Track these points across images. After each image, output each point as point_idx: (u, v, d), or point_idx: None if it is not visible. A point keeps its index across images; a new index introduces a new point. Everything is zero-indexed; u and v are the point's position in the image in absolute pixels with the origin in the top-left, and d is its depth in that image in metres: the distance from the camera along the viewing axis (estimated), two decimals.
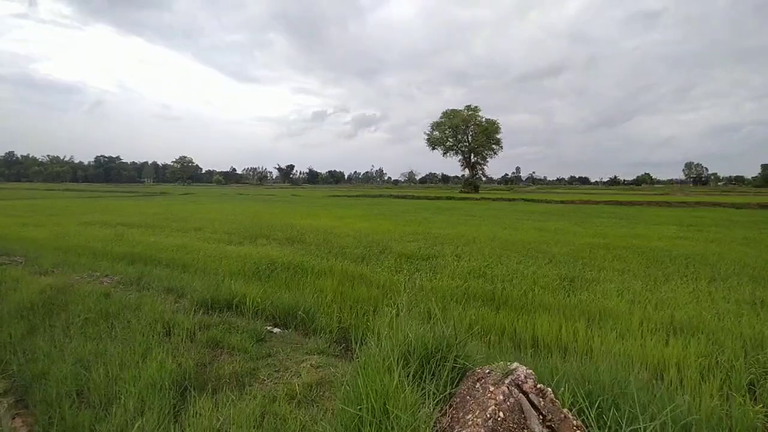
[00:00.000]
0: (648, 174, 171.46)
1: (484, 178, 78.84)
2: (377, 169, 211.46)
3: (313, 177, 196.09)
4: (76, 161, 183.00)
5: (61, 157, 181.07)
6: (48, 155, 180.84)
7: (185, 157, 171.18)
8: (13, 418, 2.69)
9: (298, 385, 2.65)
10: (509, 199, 39.05)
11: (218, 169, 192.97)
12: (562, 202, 35.12)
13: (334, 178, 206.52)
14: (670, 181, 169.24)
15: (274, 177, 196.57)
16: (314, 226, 13.20)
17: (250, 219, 15.47)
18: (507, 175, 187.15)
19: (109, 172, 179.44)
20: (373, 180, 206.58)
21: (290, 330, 3.82)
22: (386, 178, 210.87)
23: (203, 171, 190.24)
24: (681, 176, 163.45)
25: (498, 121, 70.86)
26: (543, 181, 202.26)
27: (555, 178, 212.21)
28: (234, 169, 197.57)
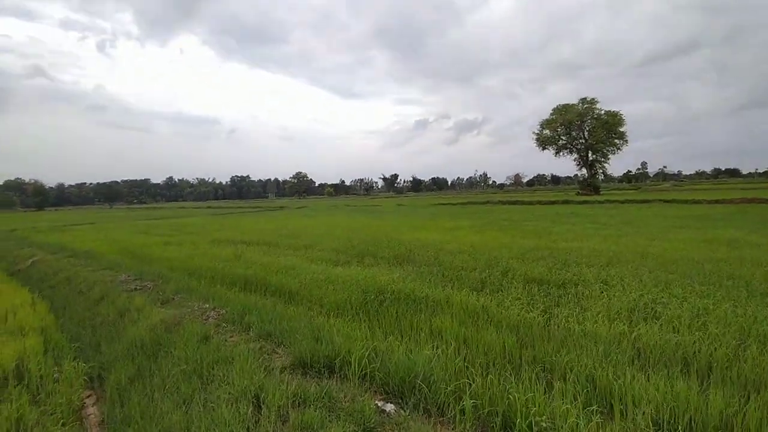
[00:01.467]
0: None
1: (602, 178, 69.97)
2: (481, 173, 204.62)
3: (416, 185, 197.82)
4: (217, 181, 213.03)
5: (206, 179, 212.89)
6: (197, 178, 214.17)
7: (300, 172, 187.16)
8: None
9: None
10: (642, 201, 33.51)
11: (329, 182, 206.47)
12: (716, 201, 28.85)
13: (438, 185, 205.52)
14: None
15: (379, 187, 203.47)
16: (422, 240, 12.34)
17: (357, 233, 15.29)
18: (630, 172, 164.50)
19: (241, 189, 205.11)
20: (477, 185, 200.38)
21: (407, 406, 2.91)
22: (491, 182, 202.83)
23: (316, 184, 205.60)
24: None
25: (621, 113, 62.45)
26: (677, 177, 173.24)
27: (693, 172, 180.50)
28: (343, 181, 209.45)
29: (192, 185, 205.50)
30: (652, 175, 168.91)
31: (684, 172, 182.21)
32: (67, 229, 26.86)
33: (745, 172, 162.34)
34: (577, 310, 5.06)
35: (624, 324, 4.49)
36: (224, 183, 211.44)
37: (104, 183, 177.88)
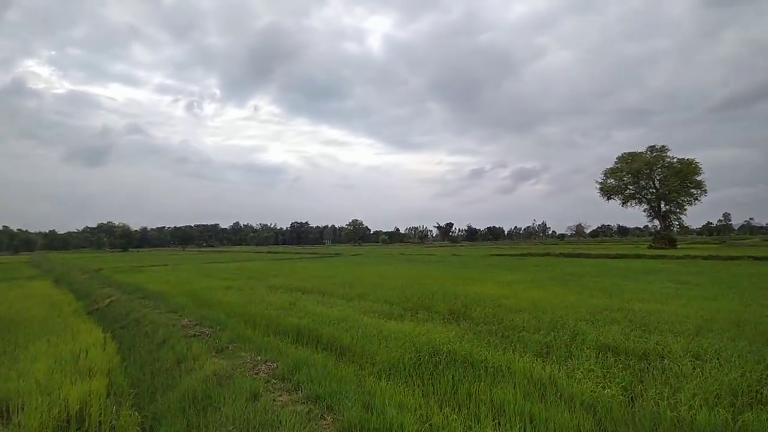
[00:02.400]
0: None
1: (677, 229, 64.06)
2: (539, 223, 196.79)
3: (472, 234, 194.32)
4: (278, 227, 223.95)
5: (269, 225, 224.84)
6: (260, 223, 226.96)
7: (356, 220, 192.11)
8: None
9: None
10: (727, 257, 29.93)
11: (384, 230, 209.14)
12: None
13: (494, 234, 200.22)
14: None
15: (434, 235, 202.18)
16: (479, 294, 11.75)
17: (411, 284, 14.97)
18: (711, 224, 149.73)
19: (299, 235, 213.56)
20: (536, 235, 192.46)
21: None
22: (550, 232, 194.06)
23: (371, 231, 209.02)
24: None
25: (697, 161, 58.01)
26: (767, 230, 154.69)
27: None
28: (397, 229, 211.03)
29: (255, 230, 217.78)
30: (736, 228, 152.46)
31: None
32: (144, 270, 29.13)
33: None
34: (666, 389, 4.36)
35: (726, 410, 3.77)
36: (284, 229, 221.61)
37: (180, 227, 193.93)
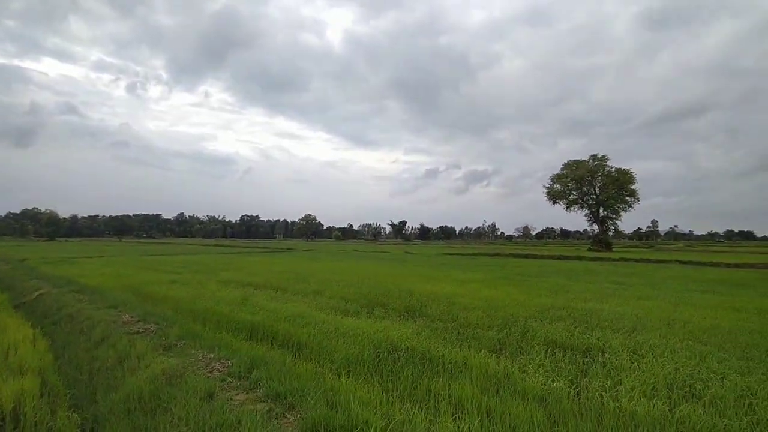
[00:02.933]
0: None
1: (612, 234, 69.26)
2: (489, 224, 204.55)
3: (424, 233, 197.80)
4: (227, 219, 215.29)
5: (217, 217, 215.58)
6: (207, 215, 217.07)
7: (310, 215, 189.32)
8: None
9: None
10: (658, 261, 32.76)
11: (337, 225, 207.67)
12: (736, 265, 28.05)
13: (446, 233, 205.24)
14: None
15: (387, 233, 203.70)
16: (434, 292, 11.97)
17: (366, 281, 14.96)
18: (641, 229, 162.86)
19: (249, 228, 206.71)
20: (485, 235, 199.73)
21: None
22: (499, 233, 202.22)
23: (324, 227, 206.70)
24: None
25: (632, 171, 62.92)
26: (689, 236, 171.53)
27: (705, 232, 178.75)
28: (351, 226, 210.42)
29: (202, 222, 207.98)
30: (662, 234, 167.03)
31: (695, 232, 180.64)
32: (76, 262, 26.87)
33: (759, 234, 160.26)
34: (608, 382, 4.67)
35: (663, 403, 4.10)
36: (234, 221, 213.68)
37: (116, 216, 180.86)
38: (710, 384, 4.61)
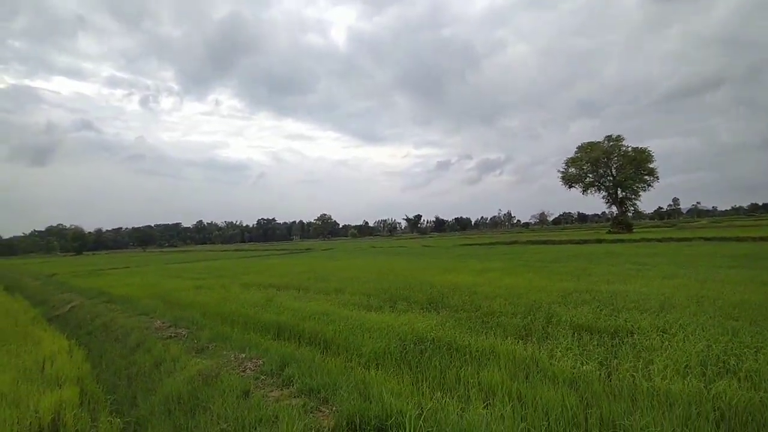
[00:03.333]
0: None
1: (632, 215, 67.73)
2: (505, 212, 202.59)
3: (440, 225, 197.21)
4: (244, 224, 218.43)
5: (234, 222, 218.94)
6: (225, 221, 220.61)
7: (325, 214, 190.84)
8: None
9: None
10: (681, 239, 31.98)
11: (353, 223, 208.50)
12: (761, 238, 27.18)
13: (461, 224, 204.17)
14: None
15: (402, 227, 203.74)
16: (454, 283, 11.97)
17: (386, 276, 15.05)
18: (662, 208, 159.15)
19: (266, 231, 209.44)
20: (502, 224, 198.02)
21: None
22: (515, 221, 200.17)
23: (340, 226, 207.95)
24: None
25: (649, 149, 61.35)
26: (713, 213, 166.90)
27: (729, 207, 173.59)
28: (366, 223, 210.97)
29: (220, 228, 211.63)
30: (685, 212, 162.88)
31: (719, 208, 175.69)
32: (103, 274, 27.70)
33: None
34: (639, 362, 4.63)
35: (697, 380, 4.05)
36: (251, 226, 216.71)
37: (138, 228, 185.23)
38: (744, 358, 4.53)
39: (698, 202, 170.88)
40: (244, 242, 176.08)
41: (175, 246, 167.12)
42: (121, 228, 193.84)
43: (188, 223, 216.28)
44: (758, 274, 11.25)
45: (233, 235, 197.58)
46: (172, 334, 6.95)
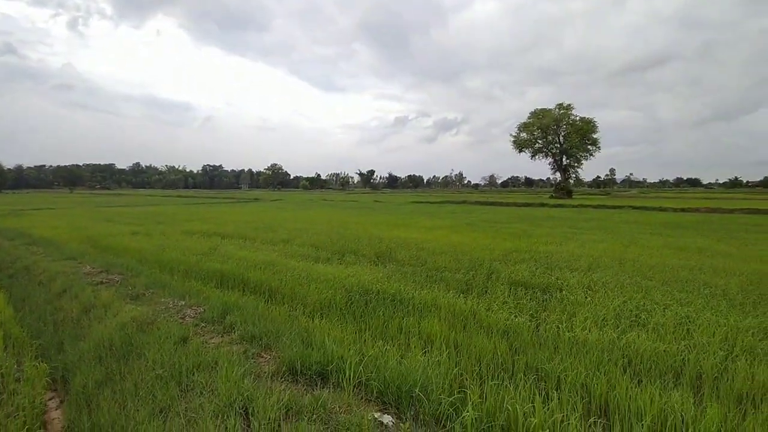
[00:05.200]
0: None
1: (573, 182, 72.10)
2: (457, 173, 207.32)
3: (392, 182, 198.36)
4: (188, 170, 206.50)
5: (177, 167, 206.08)
6: (166, 165, 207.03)
7: (276, 164, 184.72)
8: None
9: None
10: (613, 207, 34.62)
11: (304, 175, 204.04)
12: (682, 209, 30.11)
13: (414, 182, 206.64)
14: None
15: (355, 182, 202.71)
16: (403, 238, 12.23)
17: (336, 229, 15.04)
18: (599, 177, 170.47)
19: (213, 178, 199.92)
20: (452, 184, 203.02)
21: (406, 417, 2.76)
22: (466, 182, 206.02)
23: (291, 177, 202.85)
24: None
25: (595, 120, 64.35)
26: (643, 184, 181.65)
27: (657, 180, 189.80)
28: (319, 175, 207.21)
29: (161, 173, 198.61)
30: (619, 182, 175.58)
31: (648, 180, 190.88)
32: (25, 214, 25.30)
33: (705, 182, 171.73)
34: (564, 315, 5.05)
35: (612, 331, 4.50)
36: (195, 172, 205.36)
37: (65, 166, 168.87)
38: (654, 314, 5.07)
39: (631, 174, 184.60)
40: (188, 188, 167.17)
41: (108, 188, 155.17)
42: (44, 166, 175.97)
43: (123, 164, 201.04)
44: (674, 240, 12.52)
45: (176, 180, 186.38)
46: (104, 280, 6.55)
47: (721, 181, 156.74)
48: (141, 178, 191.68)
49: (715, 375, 3.57)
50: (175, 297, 5.39)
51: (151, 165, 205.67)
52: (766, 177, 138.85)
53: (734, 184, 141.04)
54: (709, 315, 4.98)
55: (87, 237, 13.10)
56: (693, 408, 2.95)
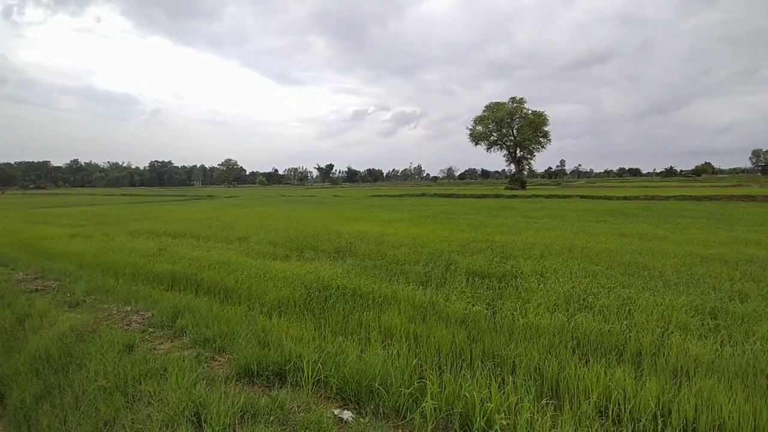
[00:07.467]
0: (709, 163, 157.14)
1: (527, 173, 75.18)
2: (415, 166, 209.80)
3: (352, 176, 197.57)
4: (134, 166, 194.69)
5: (121, 163, 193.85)
6: (108, 162, 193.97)
7: (230, 159, 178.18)
8: None
9: None
10: (563, 196, 36.41)
11: (261, 171, 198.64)
12: (624, 198, 32.17)
13: (373, 176, 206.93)
14: (735, 171, 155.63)
15: (314, 177, 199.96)
16: (363, 232, 12.20)
17: (294, 225, 14.76)
18: (551, 168, 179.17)
19: (162, 175, 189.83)
20: (412, 177, 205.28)
21: (366, 412, 2.75)
22: (424, 174, 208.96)
23: (247, 172, 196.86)
24: (747, 164, 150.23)
25: (546, 113, 67.19)
26: (590, 174, 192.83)
27: (603, 170, 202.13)
28: (276, 170, 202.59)
29: (103, 170, 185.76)
30: (569, 172, 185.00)
31: (595, 170, 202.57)
32: None
33: (644, 171, 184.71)
34: (519, 302, 5.24)
35: (563, 315, 4.72)
36: (142, 168, 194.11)
37: None
38: (599, 297, 5.38)
39: (580, 165, 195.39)
40: (134, 186, 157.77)
41: (43, 188, 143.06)
42: None
43: (60, 161, 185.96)
44: (618, 227, 13.34)
45: (120, 177, 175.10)
46: (39, 287, 6.02)
47: (658, 171, 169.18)
48: (80, 176, 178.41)
49: (653, 351, 3.85)
50: (120, 302, 5.06)
51: (91, 162, 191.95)
52: (697, 166, 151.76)
53: (669, 172, 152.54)
54: (647, 296, 5.36)
55: (20, 241, 12.03)
56: (633, 383, 3.15)
